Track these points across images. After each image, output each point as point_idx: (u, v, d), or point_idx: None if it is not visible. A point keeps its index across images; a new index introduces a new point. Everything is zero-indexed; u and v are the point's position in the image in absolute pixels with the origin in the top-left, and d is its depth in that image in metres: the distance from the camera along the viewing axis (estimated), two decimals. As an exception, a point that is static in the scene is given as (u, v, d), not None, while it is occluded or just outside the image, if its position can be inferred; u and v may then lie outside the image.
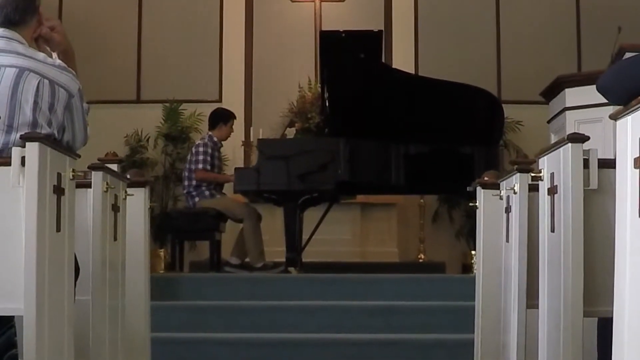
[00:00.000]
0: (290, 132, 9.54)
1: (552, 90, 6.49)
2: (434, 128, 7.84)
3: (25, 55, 3.26)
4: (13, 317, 3.23)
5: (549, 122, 6.68)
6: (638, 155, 2.15)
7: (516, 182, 3.93)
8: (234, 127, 8.58)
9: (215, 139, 8.36)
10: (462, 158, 7.73)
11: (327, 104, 8.05)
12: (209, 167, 8.24)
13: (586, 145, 3.04)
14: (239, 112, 9.31)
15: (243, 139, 9.74)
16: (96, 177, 3.87)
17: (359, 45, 7.98)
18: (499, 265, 4.43)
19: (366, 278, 7.10)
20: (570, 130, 5.74)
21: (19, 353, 3.23)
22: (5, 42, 3.27)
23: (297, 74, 10.17)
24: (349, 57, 7.91)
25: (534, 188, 3.71)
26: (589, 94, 4.99)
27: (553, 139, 6.38)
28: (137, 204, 4.61)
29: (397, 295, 6.67)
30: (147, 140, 9.98)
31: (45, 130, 3.20)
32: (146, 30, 10.41)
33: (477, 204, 4.75)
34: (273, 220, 8.72)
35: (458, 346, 5.64)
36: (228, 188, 8.48)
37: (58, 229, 2.99)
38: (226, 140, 8.58)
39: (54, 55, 3.47)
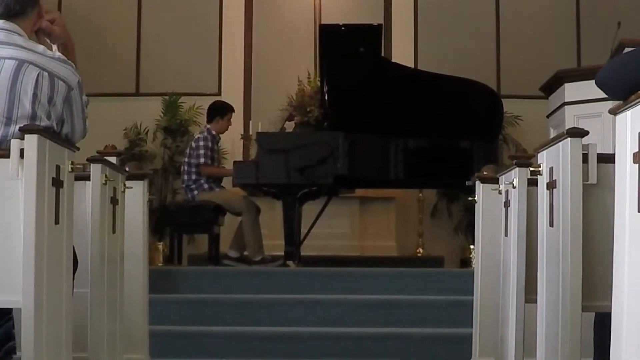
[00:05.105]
0: (290, 126, 9.52)
1: (552, 85, 6.49)
2: (433, 122, 7.84)
3: (24, 47, 3.25)
4: (11, 309, 3.24)
5: (548, 116, 6.69)
6: (637, 150, 2.15)
7: (515, 177, 3.93)
8: (233, 120, 8.58)
9: (213, 132, 8.36)
10: (461, 152, 7.72)
11: (326, 98, 8.04)
12: (209, 162, 8.24)
13: (585, 140, 3.05)
14: (238, 105, 9.30)
15: (242, 132, 9.73)
16: (95, 169, 3.87)
17: (358, 38, 7.97)
18: (498, 259, 4.43)
19: (364, 272, 7.10)
20: (569, 125, 5.74)
21: (17, 345, 3.23)
22: (5, 34, 3.26)
23: (296, 67, 10.16)
24: (349, 50, 7.90)
25: (532, 183, 3.71)
26: (589, 88, 5.00)
27: (552, 133, 6.39)
28: (135, 197, 4.61)
29: (395, 290, 6.67)
30: (146, 133, 9.97)
31: (44, 122, 3.19)
32: (145, 23, 10.40)
33: (476, 198, 4.75)
34: (272, 214, 8.72)
35: (456, 340, 5.64)
36: (227, 181, 8.48)
37: (57, 222, 2.99)
38: (224, 133, 8.57)
39: (54, 47, 3.47)
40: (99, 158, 3.95)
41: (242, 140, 9.79)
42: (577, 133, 3.04)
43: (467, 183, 5.04)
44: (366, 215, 9.82)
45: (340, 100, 7.91)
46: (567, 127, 3.41)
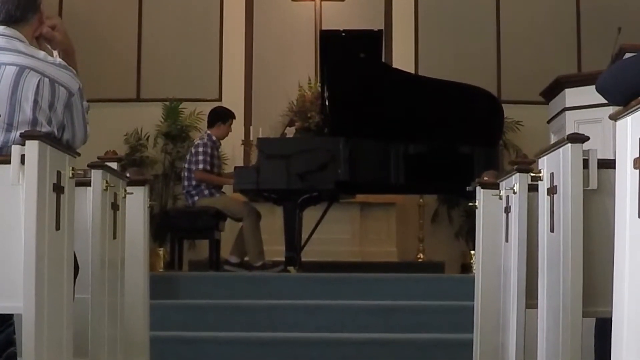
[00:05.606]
0: (290, 132, 9.54)
1: (552, 91, 6.49)
2: (433, 128, 7.84)
3: (25, 53, 3.25)
4: (12, 315, 3.24)
5: (548, 122, 6.69)
6: (638, 155, 2.15)
7: (516, 182, 3.93)
8: (234, 126, 8.58)
9: (214, 138, 8.36)
10: (462, 158, 7.72)
11: (327, 103, 8.05)
12: (208, 168, 8.23)
13: (586, 146, 3.04)
14: (238, 110, 9.31)
15: (243, 138, 9.74)
16: (96, 175, 3.87)
17: (359, 44, 7.98)
18: (498, 265, 4.43)
19: (365, 278, 7.10)
20: (570, 130, 5.74)
21: (18, 351, 3.23)
22: (6, 40, 3.26)
23: (297, 73, 10.17)
24: (349, 56, 7.91)
25: (533, 188, 3.71)
26: (589, 94, 4.99)
27: (553, 139, 6.39)
28: (136, 203, 4.61)
29: (396, 295, 6.67)
30: (147, 138, 9.98)
31: (45, 128, 3.19)
32: (146, 29, 10.41)
33: (476, 203, 4.75)
34: (272, 219, 8.72)
35: (457, 346, 5.63)
36: (228, 187, 8.48)
37: (57, 227, 2.99)
38: (224, 139, 8.57)
39: (55, 53, 3.47)
40: (99, 164, 3.96)
41: (242, 146, 9.80)
42: (578, 139, 3.04)
43: (467, 188, 5.04)
44: (367, 220, 9.82)
45: (340, 105, 7.91)
46: (567, 133, 3.41)
